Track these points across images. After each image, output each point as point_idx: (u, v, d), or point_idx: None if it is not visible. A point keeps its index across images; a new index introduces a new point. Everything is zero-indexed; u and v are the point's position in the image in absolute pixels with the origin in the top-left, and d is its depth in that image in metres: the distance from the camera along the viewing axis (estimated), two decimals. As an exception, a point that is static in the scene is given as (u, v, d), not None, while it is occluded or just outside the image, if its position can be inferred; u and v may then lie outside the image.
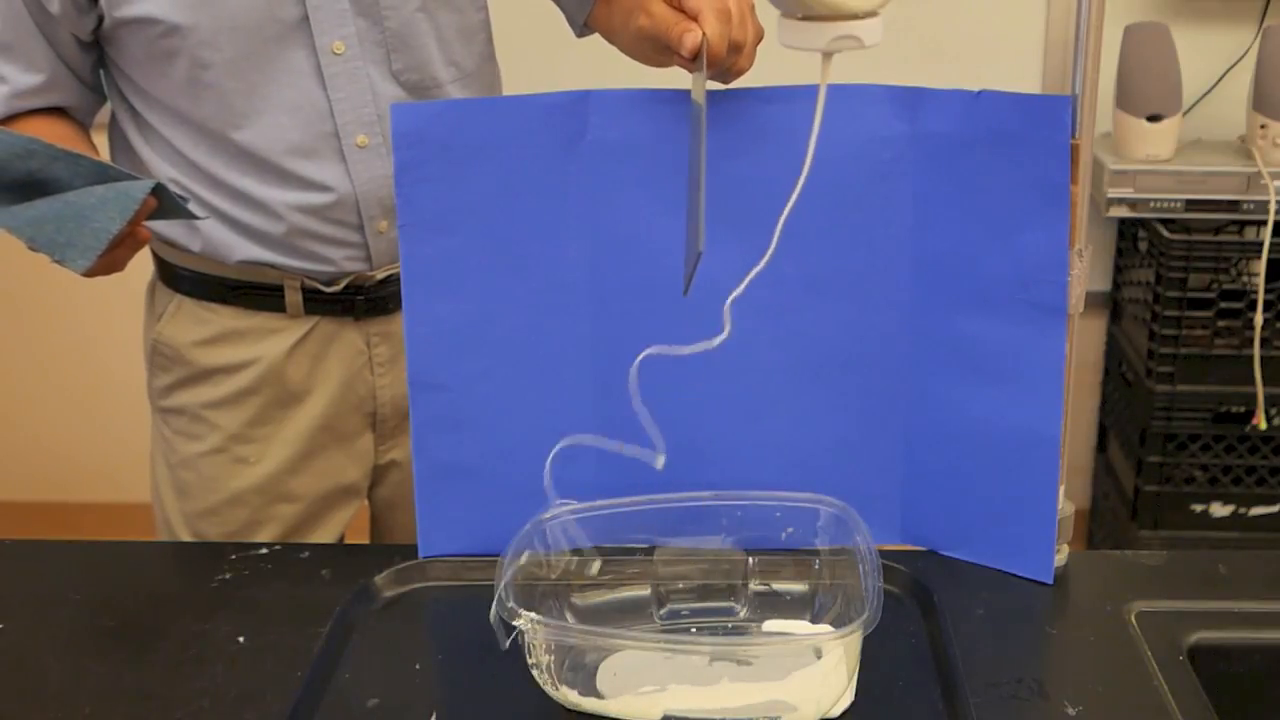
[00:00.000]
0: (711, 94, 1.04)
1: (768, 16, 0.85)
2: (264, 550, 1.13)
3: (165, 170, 1.25)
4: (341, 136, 1.23)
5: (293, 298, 1.29)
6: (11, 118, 1.20)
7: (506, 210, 1.05)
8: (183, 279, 1.31)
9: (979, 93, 1.00)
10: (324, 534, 1.37)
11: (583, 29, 1.36)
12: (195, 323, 1.31)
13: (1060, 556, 1.06)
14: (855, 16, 0.84)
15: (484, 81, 1.34)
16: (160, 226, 1.28)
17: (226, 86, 1.19)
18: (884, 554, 1.01)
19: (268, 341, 1.31)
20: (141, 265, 1.21)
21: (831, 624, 1.00)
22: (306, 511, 1.36)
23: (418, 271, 1.05)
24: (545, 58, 1.76)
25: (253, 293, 1.29)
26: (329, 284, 1.29)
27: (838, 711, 0.91)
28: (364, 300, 1.31)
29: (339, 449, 1.36)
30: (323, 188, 1.24)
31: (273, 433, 1.33)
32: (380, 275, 1.30)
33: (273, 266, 1.28)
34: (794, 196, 0.93)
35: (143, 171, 1.24)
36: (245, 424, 1.32)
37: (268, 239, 1.26)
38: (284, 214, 1.24)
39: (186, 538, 1.35)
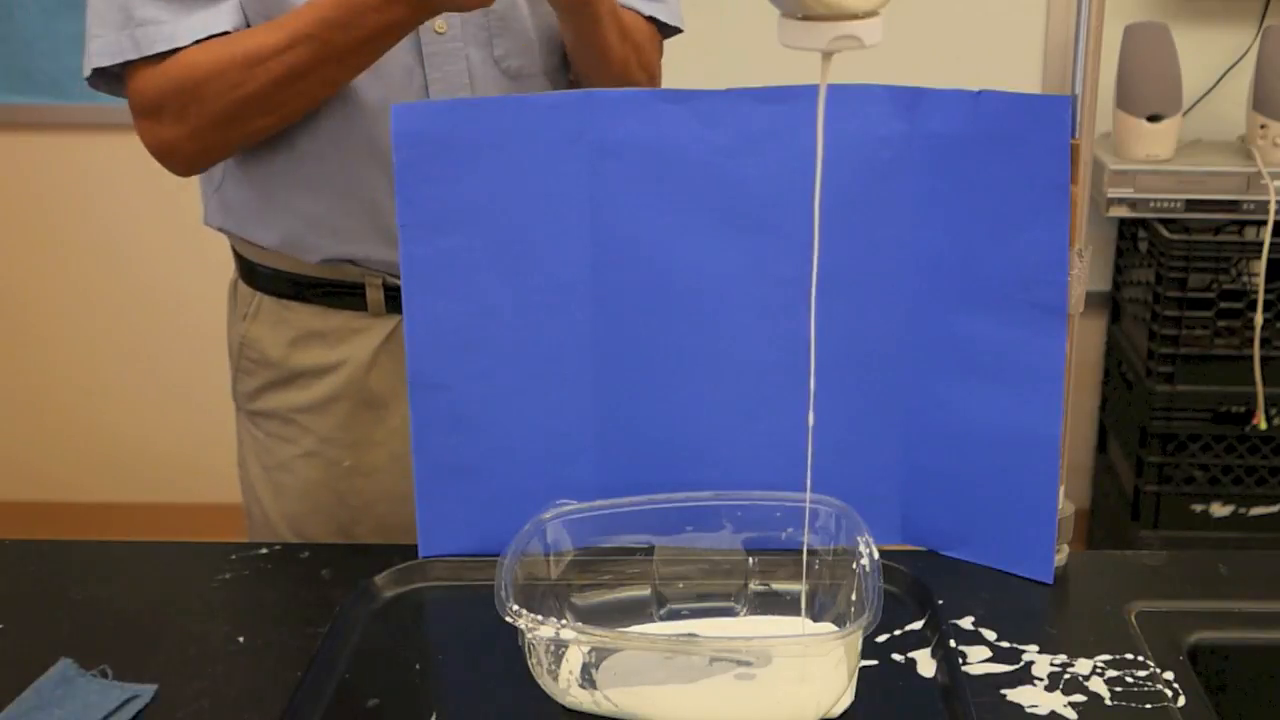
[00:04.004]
0: (711, 94, 1.04)
1: (768, 16, 0.85)
2: (264, 550, 1.13)
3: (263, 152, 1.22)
4: None
5: (374, 295, 1.26)
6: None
7: (506, 210, 1.05)
8: (263, 277, 1.30)
9: (979, 93, 1.00)
10: None
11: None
12: (276, 323, 1.30)
13: (1060, 556, 1.06)
14: (855, 16, 0.84)
15: (564, 82, 1.34)
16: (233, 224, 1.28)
17: None
18: (884, 554, 1.01)
19: (350, 343, 1.29)
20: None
21: (832, 624, 1.00)
22: (408, 511, 1.34)
23: (418, 271, 1.05)
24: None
25: (332, 291, 1.27)
26: None
27: (838, 711, 0.91)
28: None
29: None
30: None
31: (364, 436, 1.31)
32: None
33: (353, 263, 1.25)
34: (816, 201, 0.93)
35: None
36: (335, 428, 1.31)
37: (360, 229, 1.23)
38: (379, 200, 1.21)
39: (290, 537, 1.33)
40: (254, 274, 1.31)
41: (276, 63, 1.08)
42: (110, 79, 1.19)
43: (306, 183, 1.23)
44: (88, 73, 1.17)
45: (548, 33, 1.28)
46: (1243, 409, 2.26)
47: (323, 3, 1.06)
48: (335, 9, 1.05)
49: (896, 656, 0.98)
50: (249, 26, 1.16)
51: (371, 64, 1.12)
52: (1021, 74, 2.51)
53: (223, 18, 1.14)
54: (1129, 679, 0.93)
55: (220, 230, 1.32)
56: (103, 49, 1.14)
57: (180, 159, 1.17)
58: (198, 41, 1.13)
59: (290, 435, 1.33)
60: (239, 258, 1.33)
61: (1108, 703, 0.91)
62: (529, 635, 0.89)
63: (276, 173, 1.24)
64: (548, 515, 1.01)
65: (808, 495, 1.00)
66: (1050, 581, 1.05)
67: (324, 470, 1.32)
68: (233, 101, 1.11)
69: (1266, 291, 2.19)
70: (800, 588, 1.03)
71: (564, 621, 0.92)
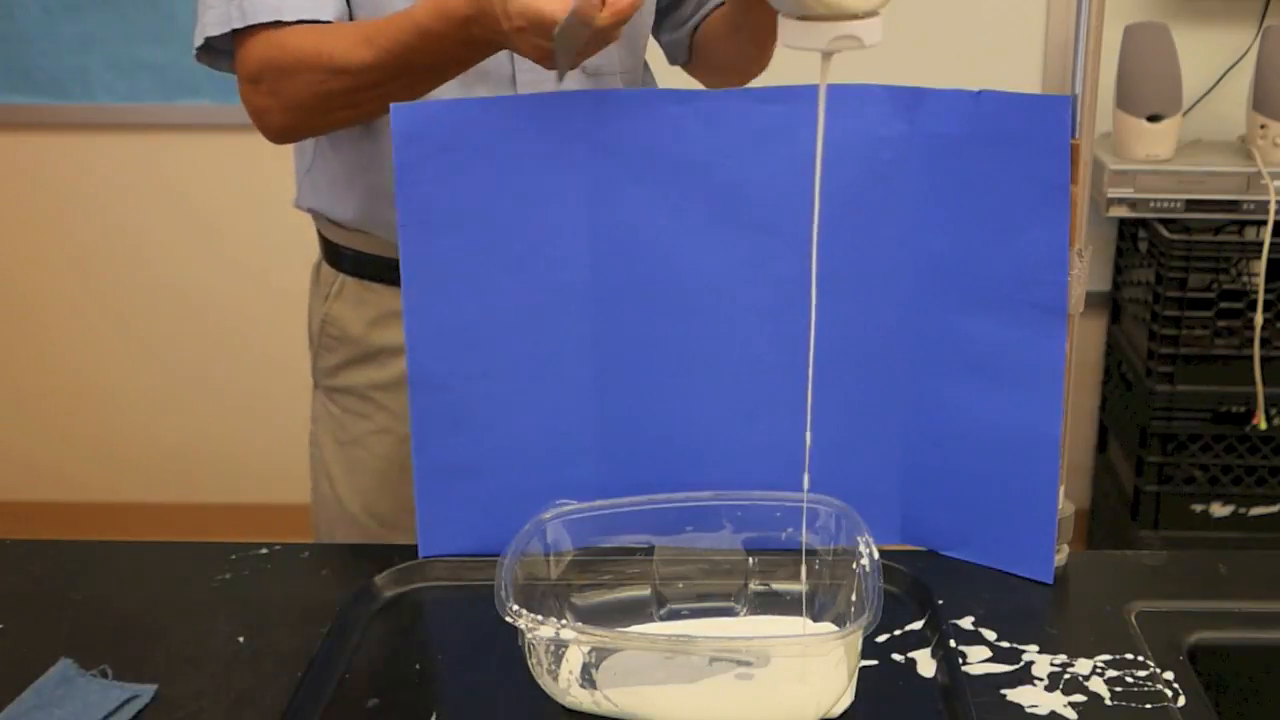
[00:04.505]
0: (711, 94, 1.04)
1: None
2: (264, 550, 1.13)
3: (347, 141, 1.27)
4: None
5: None
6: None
7: (506, 210, 1.05)
8: (345, 258, 1.34)
9: (979, 93, 1.00)
10: None
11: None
12: (358, 303, 1.34)
13: (1060, 556, 1.06)
14: (855, 16, 0.84)
15: (638, 81, 1.36)
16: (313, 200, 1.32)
17: None
18: (884, 554, 1.01)
19: None
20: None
21: (832, 624, 1.00)
22: None
23: (418, 271, 1.05)
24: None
25: None
26: None
27: (838, 711, 0.91)
28: None
29: None
30: None
31: None
32: None
33: None
34: (816, 201, 0.93)
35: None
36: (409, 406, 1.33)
37: None
38: None
39: (358, 512, 1.36)
40: (337, 255, 1.35)
41: (359, 75, 1.11)
42: (215, 54, 1.22)
43: (386, 160, 1.25)
44: (200, 42, 1.20)
45: (629, 33, 1.30)
46: (1243, 409, 2.26)
47: (406, 26, 1.09)
48: (416, 34, 1.08)
49: (896, 656, 0.98)
50: (350, 19, 1.20)
51: (450, 80, 1.15)
52: (1021, 74, 2.51)
53: (327, 6, 1.18)
54: (1129, 679, 0.93)
55: (309, 211, 1.36)
56: (214, 19, 1.18)
57: (272, 128, 1.21)
58: (301, 21, 1.16)
59: (365, 411, 1.36)
60: (323, 240, 1.38)
61: (1108, 703, 0.91)
62: (529, 635, 0.89)
63: (361, 151, 1.28)
64: (548, 515, 1.01)
65: (805, 495, 1.00)
66: (1050, 581, 1.05)
67: (396, 447, 1.34)
68: (318, 95, 1.15)
69: (1266, 291, 2.19)
70: (800, 588, 1.03)
71: (564, 621, 0.92)
